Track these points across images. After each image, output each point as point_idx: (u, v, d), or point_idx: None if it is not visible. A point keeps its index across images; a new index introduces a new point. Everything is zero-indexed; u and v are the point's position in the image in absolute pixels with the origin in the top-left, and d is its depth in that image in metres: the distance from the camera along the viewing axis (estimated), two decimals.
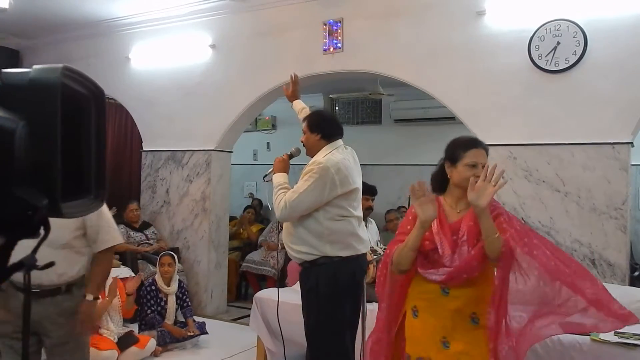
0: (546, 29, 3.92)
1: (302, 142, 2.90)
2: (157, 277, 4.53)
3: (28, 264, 0.71)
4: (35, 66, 0.65)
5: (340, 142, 2.87)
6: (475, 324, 2.13)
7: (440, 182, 2.34)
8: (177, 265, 4.73)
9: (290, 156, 2.97)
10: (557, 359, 2.99)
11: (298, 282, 3.04)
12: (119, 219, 5.80)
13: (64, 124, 0.62)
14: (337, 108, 8.98)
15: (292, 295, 3.56)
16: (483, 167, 2.18)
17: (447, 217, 2.21)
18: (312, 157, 2.84)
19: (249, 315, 4.14)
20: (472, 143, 2.27)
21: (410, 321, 2.25)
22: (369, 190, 4.32)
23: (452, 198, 2.28)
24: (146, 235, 5.64)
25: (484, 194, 2.07)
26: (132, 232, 5.57)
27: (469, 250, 2.11)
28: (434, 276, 2.13)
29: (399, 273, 2.23)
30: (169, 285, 4.53)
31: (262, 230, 6.87)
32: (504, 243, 2.06)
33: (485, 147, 2.27)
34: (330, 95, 8.83)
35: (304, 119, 2.93)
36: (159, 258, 4.63)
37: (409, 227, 2.23)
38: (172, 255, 4.65)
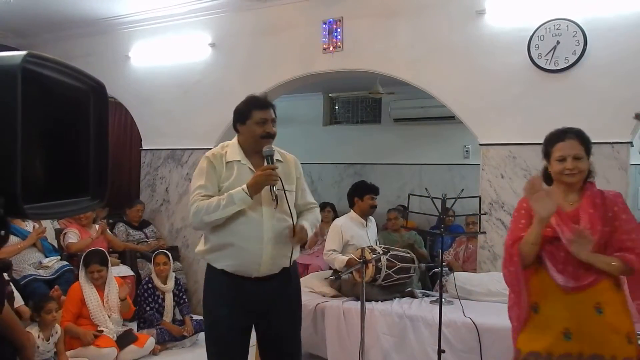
0: (546, 29, 3.92)
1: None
2: (153, 276, 4.55)
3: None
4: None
5: None
6: (600, 314, 2.10)
7: (547, 178, 2.34)
8: (176, 264, 4.74)
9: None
10: None
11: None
12: (119, 217, 5.81)
13: (57, 120, 0.59)
14: (336, 107, 8.98)
15: None
16: (575, 157, 2.20)
17: (562, 208, 2.19)
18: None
19: None
20: (559, 136, 2.26)
21: (531, 316, 2.21)
22: (373, 190, 4.34)
23: (559, 191, 2.26)
24: (145, 234, 5.64)
25: (583, 247, 2.06)
26: (131, 231, 5.59)
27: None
28: (561, 281, 2.12)
29: (523, 268, 2.21)
30: (165, 283, 4.55)
31: None
32: (628, 263, 2.08)
33: (578, 136, 2.27)
34: (329, 95, 8.83)
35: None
36: (153, 257, 4.65)
37: (523, 222, 2.23)
38: (166, 254, 4.69)
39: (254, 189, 2.41)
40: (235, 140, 2.63)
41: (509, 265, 2.22)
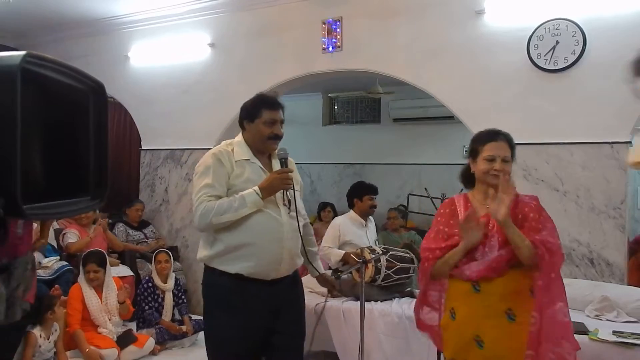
0: (545, 28, 3.92)
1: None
2: (154, 275, 4.56)
3: None
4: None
5: None
6: (512, 321, 2.05)
7: (467, 178, 2.32)
8: (175, 264, 4.75)
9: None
10: None
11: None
12: (118, 217, 5.81)
13: (57, 120, 0.59)
14: (336, 107, 8.98)
15: None
16: (503, 160, 2.16)
17: (478, 211, 2.19)
18: None
19: None
20: (490, 136, 2.23)
21: (448, 323, 2.21)
22: (372, 190, 4.34)
23: (480, 193, 2.25)
24: (145, 234, 5.64)
25: (501, 205, 2.05)
26: (131, 231, 5.59)
27: (498, 244, 2.08)
28: (467, 271, 2.12)
29: (433, 279, 2.25)
30: (165, 282, 4.56)
31: None
32: (537, 245, 2.03)
33: (507, 138, 2.23)
34: (329, 94, 8.83)
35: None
36: (154, 256, 4.66)
37: (446, 229, 2.21)
38: (167, 252, 4.71)
39: (268, 191, 2.33)
40: (240, 138, 2.54)
41: (420, 278, 2.28)
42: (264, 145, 2.48)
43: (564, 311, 2.07)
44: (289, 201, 2.41)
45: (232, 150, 2.47)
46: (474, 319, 2.10)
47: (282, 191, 2.39)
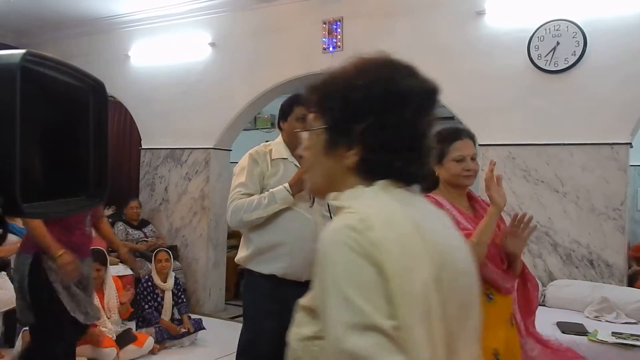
0: (546, 29, 3.92)
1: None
2: (153, 274, 4.56)
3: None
4: None
5: None
6: (512, 326, 1.99)
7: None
8: (175, 263, 4.75)
9: None
10: None
11: None
12: (118, 216, 5.81)
13: (56, 119, 0.59)
14: None
15: None
16: (472, 159, 2.00)
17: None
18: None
19: None
20: (455, 135, 2.03)
21: None
22: None
23: (445, 197, 2.05)
24: (145, 233, 5.65)
25: (500, 193, 1.92)
26: (130, 230, 5.59)
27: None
28: (507, 284, 1.95)
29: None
30: (165, 282, 4.56)
31: None
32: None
33: (470, 135, 2.06)
34: None
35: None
36: (154, 255, 4.65)
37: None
38: (167, 251, 4.71)
39: (297, 187, 2.30)
40: (279, 138, 2.55)
41: None
42: (298, 141, 2.47)
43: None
44: (313, 197, 2.33)
45: (271, 150, 2.49)
46: (492, 332, 1.79)
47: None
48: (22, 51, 0.57)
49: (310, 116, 1.00)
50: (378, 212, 0.82)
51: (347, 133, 0.91)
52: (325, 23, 4.79)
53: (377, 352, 0.74)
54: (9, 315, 4.14)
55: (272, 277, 2.35)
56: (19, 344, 3.59)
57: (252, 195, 2.37)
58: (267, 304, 2.36)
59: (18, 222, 4.52)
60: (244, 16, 5.26)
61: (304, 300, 0.96)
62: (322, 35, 4.79)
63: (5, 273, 4.22)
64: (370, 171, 0.91)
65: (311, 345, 0.87)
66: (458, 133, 2.04)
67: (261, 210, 2.30)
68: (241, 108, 5.29)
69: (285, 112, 2.51)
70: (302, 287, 2.39)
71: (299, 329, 0.94)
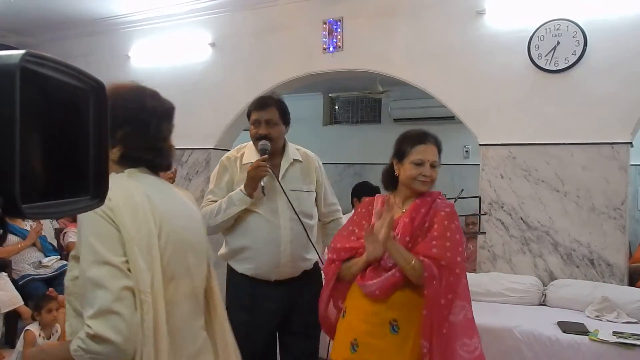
0: (546, 29, 3.92)
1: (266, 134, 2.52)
2: None
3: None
4: None
5: None
6: (395, 332, 1.93)
7: (390, 179, 2.15)
8: None
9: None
10: (555, 358, 2.99)
11: None
12: None
13: (56, 119, 0.59)
14: (336, 107, 8.98)
15: None
16: (431, 165, 2.01)
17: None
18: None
19: None
20: (420, 138, 2.05)
21: (339, 322, 2.11)
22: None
23: (400, 197, 2.11)
24: None
25: (383, 226, 1.90)
26: None
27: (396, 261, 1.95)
28: (363, 290, 1.98)
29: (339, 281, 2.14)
30: None
31: None
32: (426, 267, 1.88)
33: (436, 142, 2.07)
34: (329, 94, 8.83)
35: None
36: None
37: (356, 230, 2.12)
38: None
39: (250, 185, 2.36)
40: (252, 142, 2.59)
41: (326, 275, 2.15)
42: (255, 146, 2.50)
43: (467, 348, 1.91)
44: (263, 189, 2.39)
45: (242, 154, 2.53)
46: (357, 322, 1.98)
47: (262, 181, 2.38)
48: (22, 51, 0.57)
49: None
50: (119, 187, 1.20)
51: (112, 137, 1.31)
52: (325, 23, 4.79)
53: (108, 278, 1.18)
54: (10, 315, 4.15)
55: (245, 275, 2.47)
56: (19, 344, 3.58)
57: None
58: (241, 299, 2.48)
59: (18, 223, 4.52)
60: (244, 16, 5.26)
61: (72, 252, 1.30)
62: (323, 35, 4.79)
63: (5, 274, 4.22)
64: (126, 163, 1.39)
65: (77, 282, 1.24)
66: (424, 137, 2.06)
67: (222, 214, 2.39)
68: (241, 108, 5.27)
69: (248, 116, 2.57)
70: (272, 285, 2.48)
71: (70, 272, 1.31)
